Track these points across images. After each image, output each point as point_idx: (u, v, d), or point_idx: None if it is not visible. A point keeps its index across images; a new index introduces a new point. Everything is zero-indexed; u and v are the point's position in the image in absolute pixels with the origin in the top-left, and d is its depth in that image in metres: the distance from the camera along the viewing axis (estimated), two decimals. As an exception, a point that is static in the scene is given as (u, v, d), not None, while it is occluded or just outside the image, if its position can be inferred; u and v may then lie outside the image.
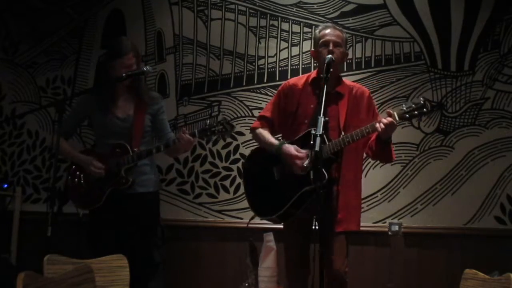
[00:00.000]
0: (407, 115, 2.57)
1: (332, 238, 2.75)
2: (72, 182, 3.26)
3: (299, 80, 2.98)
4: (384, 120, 2.60)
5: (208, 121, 3.25)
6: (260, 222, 3.78)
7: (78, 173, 3.23)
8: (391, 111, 2.62)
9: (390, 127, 2.60)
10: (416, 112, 2.54)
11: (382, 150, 2.78)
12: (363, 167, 3.11)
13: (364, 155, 2.97)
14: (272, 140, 2.90)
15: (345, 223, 2.76)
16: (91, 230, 3.18)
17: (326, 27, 2.94)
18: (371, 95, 3.03)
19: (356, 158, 2.88)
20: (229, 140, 3.98)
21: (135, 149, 3.09)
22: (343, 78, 3.02)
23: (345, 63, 3.08)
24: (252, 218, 3.12)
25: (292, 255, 2.90)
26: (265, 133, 2.96)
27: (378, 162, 3.88)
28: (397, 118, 2.60)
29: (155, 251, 3.17)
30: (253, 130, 3.05)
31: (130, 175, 3.10)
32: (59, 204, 4.15)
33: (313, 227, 2.56)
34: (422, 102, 2.54)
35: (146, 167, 3.21)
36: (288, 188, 2.77)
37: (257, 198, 2.96)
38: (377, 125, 2.61)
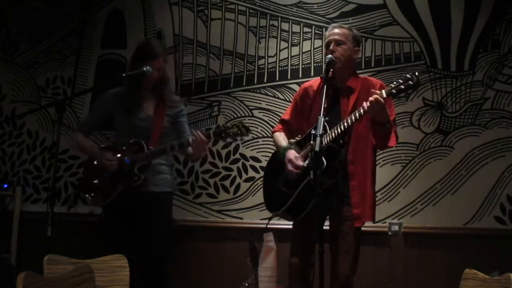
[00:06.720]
0: (394, 90, 2.53)
1: (338, 237, 2.74)
2: (86, 176, 3.27)
3: (315, 82, 3.00)
4: (371, 98, 2.56)
5: (225, 123, 3.19)
6: (259, 222, 3.81)
7: (92, 168, 3.22)
8: (377, 91, 2.60)
9: (376, 104, 2.54)
10: (402, 86, 2.51)
11: (377, 133, 2.75)
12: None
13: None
14: (281, 143, 2.97)
15: (350, 220, 2.75)
16: (103, 227, 3.17)
17: (331, 28, 2.96)
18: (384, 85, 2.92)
19: (363, 150, 2.83)
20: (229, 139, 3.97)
21: (150, 148, 3.09)
22: (361, 75, 3.03)
23: (358, 59, 3.06)
24: (270, 218, 3.12)
25: (292, 248, 2.91)
26: (279, 136, 3.03)
27: (378, 161, 3.88)
28: (384, 95, 2.54)
29: (164, 251, 3.15)
30: (272, 133, 3.15)
31: (143, 173, 3.09)
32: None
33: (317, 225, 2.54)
34: (409, 76, 2.50)
35: (163, 167, 3.19)
36: (293, 186, 2.79)
37: (269, 196, 3.03)
38: (364, 104, 2.58)
